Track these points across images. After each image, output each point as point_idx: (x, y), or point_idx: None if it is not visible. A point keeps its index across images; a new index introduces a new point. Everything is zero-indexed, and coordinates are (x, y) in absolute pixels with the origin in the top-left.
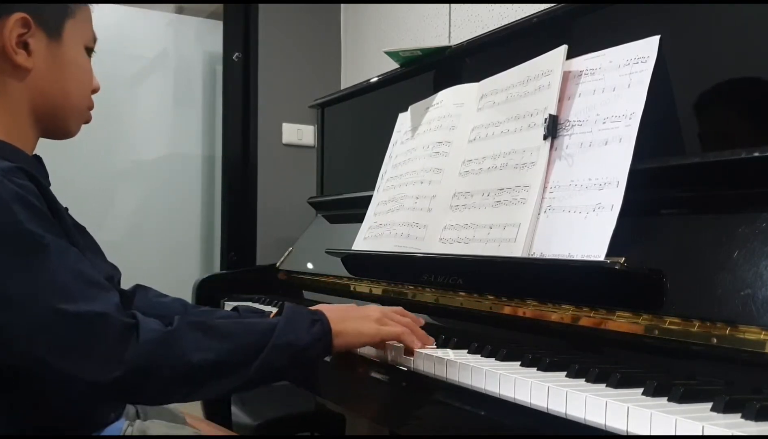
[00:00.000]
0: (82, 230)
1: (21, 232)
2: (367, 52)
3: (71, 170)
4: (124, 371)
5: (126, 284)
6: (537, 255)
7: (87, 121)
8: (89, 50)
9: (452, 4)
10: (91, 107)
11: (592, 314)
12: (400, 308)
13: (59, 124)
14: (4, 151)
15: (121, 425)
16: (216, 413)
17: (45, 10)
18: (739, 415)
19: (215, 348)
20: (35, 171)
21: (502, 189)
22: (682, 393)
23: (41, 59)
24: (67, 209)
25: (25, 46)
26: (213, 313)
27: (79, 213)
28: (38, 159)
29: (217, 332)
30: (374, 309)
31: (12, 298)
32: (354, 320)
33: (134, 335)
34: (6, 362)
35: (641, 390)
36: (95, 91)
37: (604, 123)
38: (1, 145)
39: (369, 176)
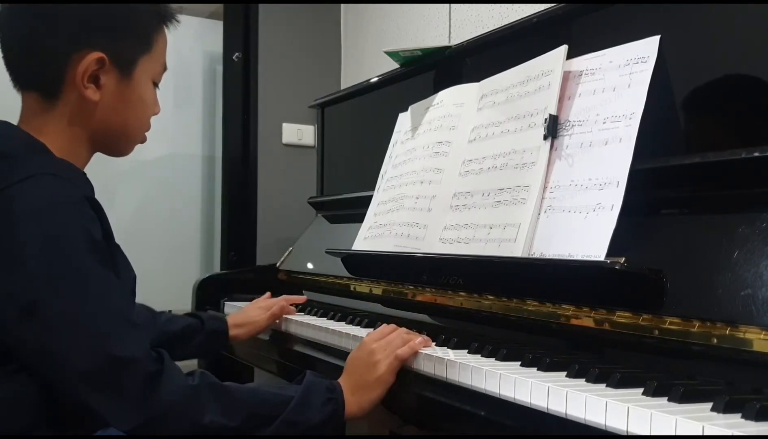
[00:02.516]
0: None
1: (80, 264)
2: (367, 52)
3: None
4: (144, 419)
5: None
6: (537, 255)
7: (142, 142)
8: (156, 83)
9: (452, 4)
10: (147, 130)
11: (592, 314)
12: (385, 327)
13: (114, 147)
14: (62, 168)
15: None
16: None
17: (123, 49)
18: (739, 415)
19: (227, 414)
20: (89, 190)
21: (502, 189)
22: (682, 393)
23: (108, 94)
24: None
25: (96, 80)
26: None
27: None
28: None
29: (232, 398)
30: (377, 349)
31: (56, 322)
32: (368, 390)
33: (158, 385)
34: (36, 369)
35: (641, 390)
36: (155, 114)
37: (604, 123)
38: (60, 164)
39: (369, 176)
